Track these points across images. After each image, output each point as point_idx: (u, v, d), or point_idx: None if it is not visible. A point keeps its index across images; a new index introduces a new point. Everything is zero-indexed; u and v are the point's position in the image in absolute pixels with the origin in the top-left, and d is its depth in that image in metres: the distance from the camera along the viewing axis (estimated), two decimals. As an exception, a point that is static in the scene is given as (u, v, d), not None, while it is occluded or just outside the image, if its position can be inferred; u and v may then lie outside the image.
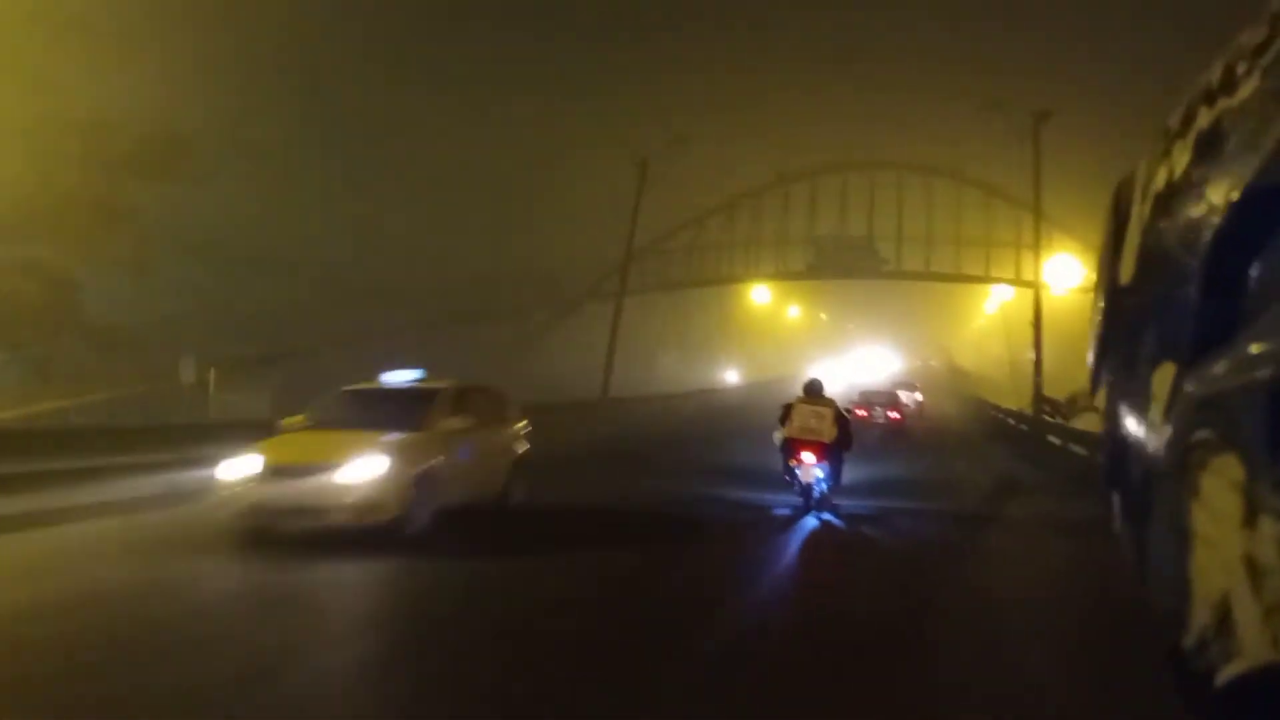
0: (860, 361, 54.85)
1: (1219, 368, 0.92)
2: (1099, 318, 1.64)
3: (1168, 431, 0.99)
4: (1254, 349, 0.85)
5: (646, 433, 25.45)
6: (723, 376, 49.88)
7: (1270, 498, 0.77)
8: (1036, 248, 30.16)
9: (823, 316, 72.44)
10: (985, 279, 47.84)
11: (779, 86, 49.26)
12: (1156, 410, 1.01)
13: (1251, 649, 0.82)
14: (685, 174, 50.08)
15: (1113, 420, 1.48)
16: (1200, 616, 0.85)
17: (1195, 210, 1.02)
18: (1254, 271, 0.89)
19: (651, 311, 55.32)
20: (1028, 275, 41.08)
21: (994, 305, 53.94)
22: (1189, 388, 0.95)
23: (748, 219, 49.51)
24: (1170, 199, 1.16)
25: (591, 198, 45.16)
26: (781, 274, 49.64)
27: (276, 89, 34.84)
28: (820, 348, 66.42)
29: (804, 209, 49.04)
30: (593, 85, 47.86)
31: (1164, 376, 1.01)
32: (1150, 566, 1.21)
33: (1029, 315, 26.90)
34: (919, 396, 33.64)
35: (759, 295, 54.91)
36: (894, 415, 26.42)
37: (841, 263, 48.25)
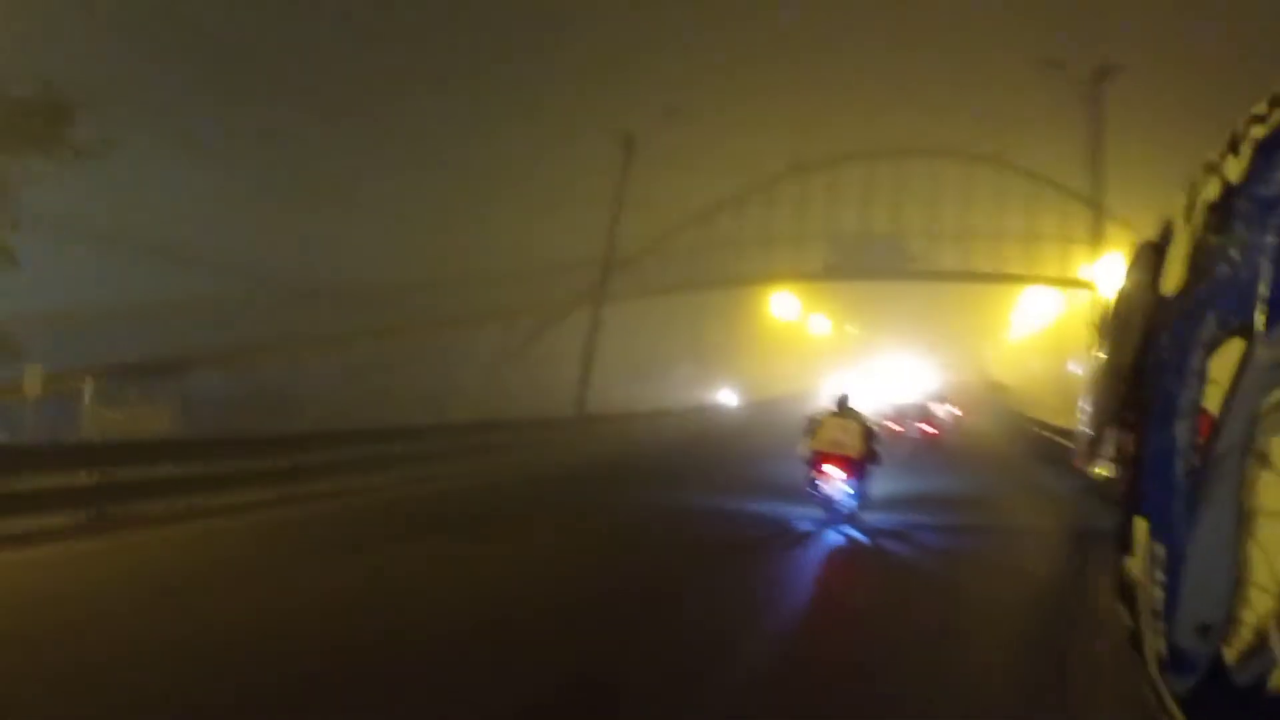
0: (891, 377, 49.96)
1: None
2: (1112, 358, 1.23)
3: (1229, 412, 0.90)
4: None
5: (611, 458, 20.38)
6: (717, 394, 43.99)
7: None
8: (1097, 231, 24.63)
9: (851, 329, 66.52)
10: (1030, 278, 42.06)
11: (793, 65, 43.88)
12: (1214, 394, 0.92)
13: None
14: (690, 165, 45.03)
15: (1145, 432, 1.10)
16: (1258, 607, 0.84)
17: (1265, 192, 0.91)
18: None
19: (666, 319, 50.57)
20: (1078, 273, 35.52)
21: (1040, 311, 48.44)
22: (1261, 351, 0.88)
23: (759, 214, 44.15)
24: (1229, 198, 1.01)
25: (588, 191, 40.03)
26: (797, 274, 44.15)
27: (201, 53, 30.18)
28: (848, 363, 61.27)
29: (822, 202, 43.61)
30: (585, 68, 42.84)
31: (1226, 357, 0.91)
32: (1183, 577, 0.98)
33: (1080, 322, 21.82)
34: (954, 410, 32.27)
35: (784, 307, 51.08)
36: (927, 429, 25.33)
37: (864, 261, 42.73)
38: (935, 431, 25.47)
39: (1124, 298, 1.15)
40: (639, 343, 48.17)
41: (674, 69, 40.26)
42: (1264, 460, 0.83)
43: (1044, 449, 22.60)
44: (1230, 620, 0.84)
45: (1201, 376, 0.91)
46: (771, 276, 44.43)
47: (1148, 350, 1.06)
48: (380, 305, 35.71)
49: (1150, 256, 1.12)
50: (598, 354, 29.65)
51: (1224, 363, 0.88)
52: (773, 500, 12.53)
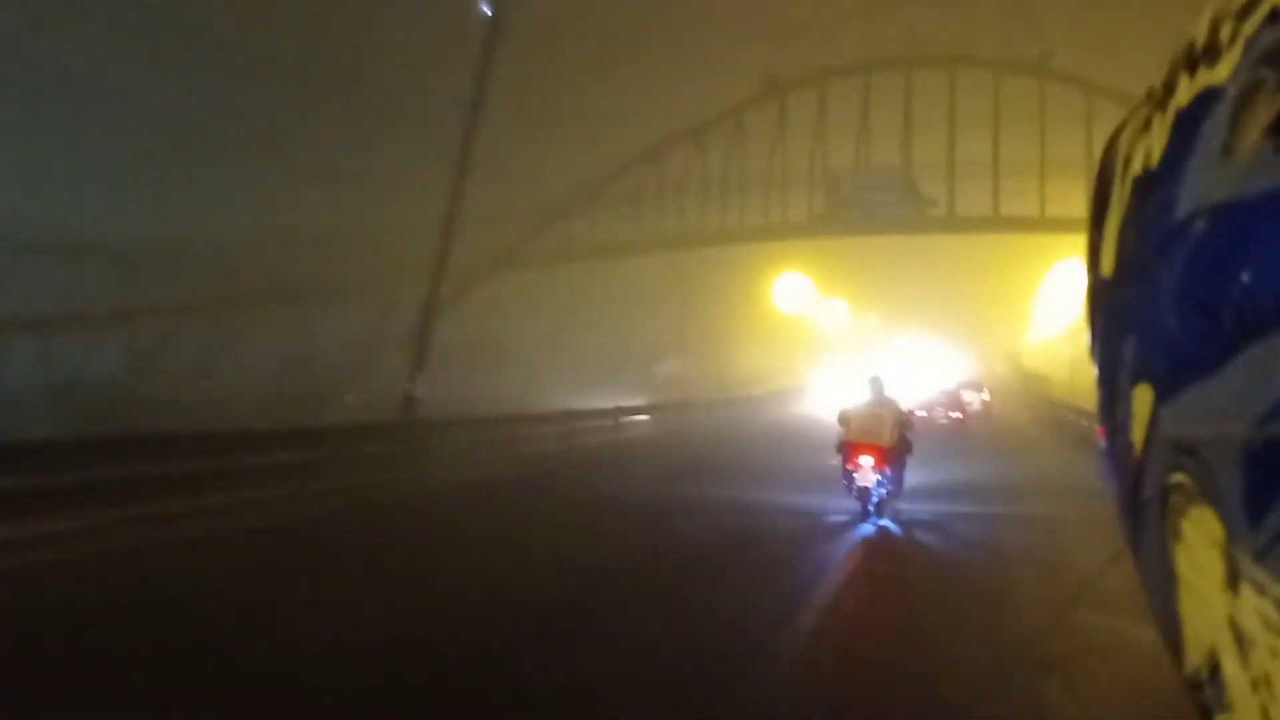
0: (914, 368, 41.87)
1: (1193, 407, 0.81)
2: (1086, 307, 1.13)
3: (1147, 461, 0.90)
4: (1229, 396, 0.74)
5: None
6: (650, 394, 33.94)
7: (1250, 568, 0.72)
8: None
9: (870, 318, 60.36)
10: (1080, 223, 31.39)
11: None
12: (1137, 430, 0.90)
13: (1243, 712, 0.77)
14: (634, 91, 34.54)
15: (1104, 429, 1.06)
16: (1193, 657, 0.85)
17: (1171, 207, 0.83)
18: (1234, 295, 0.73)
19: (656, 300, 45.26)
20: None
21: (1077, 287, 38.01)
22: (1164, 421, 0.86)
23: (725, 150, 33.64)
24: (1147, 186, 0.91)
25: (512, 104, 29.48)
26: (777, 229, 33.60)
27: None
28: (862, 353, 53.59)
29: (809, 133, 33.08)
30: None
31: (1143, 397, 0.88)
32: (1146, 589, 0.99)
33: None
34: (985, 396, 30.93)
35: (791, 293, 46.97)
36: (957, 416, 25.49)
37: (866, 209, 32.24)
38: (963, 418, 24.55)
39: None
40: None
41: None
42: (1177, 535, 0.80)
43: (1083, 437, 19.20)
44: (1178, 650, 0.84)
45: (1127, 399, 0.84)
46: (743, 234, 33.89)
47: (1093, 341, 0.98)
48: (185, 271, 25.62)
49: (1092, 221, 0.98)
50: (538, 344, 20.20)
51: (1141, 401, 0.81)
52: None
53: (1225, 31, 0.74)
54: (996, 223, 31.45)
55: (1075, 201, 30.17)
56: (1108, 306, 0.89)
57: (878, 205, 32.16)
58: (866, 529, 9.56)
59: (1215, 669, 0.77)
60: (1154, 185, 0.77)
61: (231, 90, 28.59)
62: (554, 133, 34.61)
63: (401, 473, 13.68)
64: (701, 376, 47.39)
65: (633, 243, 33.68)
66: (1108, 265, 0.89)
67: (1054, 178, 31.14)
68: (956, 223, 31.89)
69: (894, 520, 9.86)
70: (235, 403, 22.77)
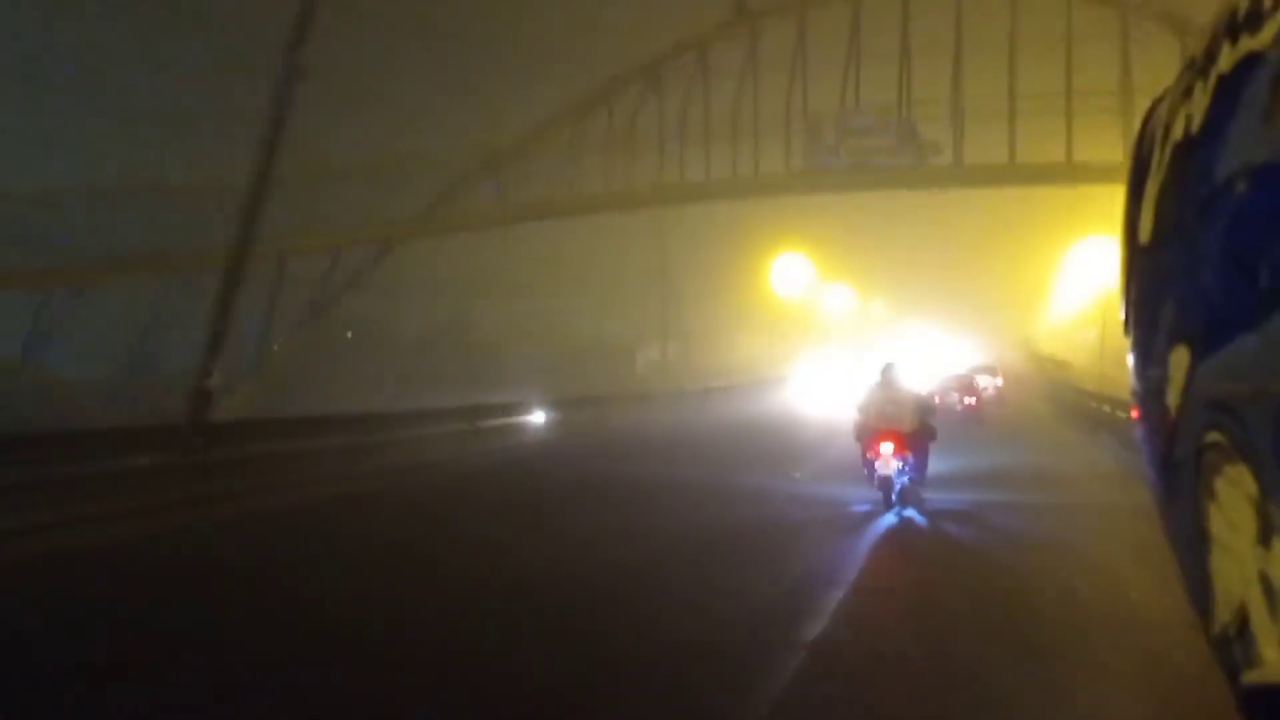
0: (923, 355, 39.02)
1: (1231, 365, 0.84)
2: (1121, 276, 1.46)
3: (1182, 422, 0.95)
4: (1269, 352, 0.78)
5: None
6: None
7: None
8: None
9: (877, 305, 59.24)
10: (1113, 171, 25.88)
11: None
12: (1173, 393, 0.94)
13: (1272, 664, 0.81)
14: (579, 22, 28.90)
15: (1137, 397, 1.36)
16: (1222, 614, 0.86)
17: (1213, 171, 0.93)
18: (1275, 254, 0.80)
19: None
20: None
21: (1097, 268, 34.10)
22: (1201, 381, 0.96)
23: (684, 91, 27.95)
24: (1188, 152, 1.06)
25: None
26: (746, 185, 27.94)
27: None
28: (866, 338, 51.34)
29: (783, 69, 27.45)
30: None
31: (1180, 359, 0.93)
32: (1176, 552, 1.16)
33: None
34: (998, 382, 29.53)
35: (791, 278, 44.57)
36: (971, 401, 23.20)
37: (855, 156, 26.66)
38: (977, 403, 23.51)
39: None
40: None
41: None
42: (1211, 494, 0.80)
43: (1108, 424, 16.51)
44: (1208, 611, 0.84)
45: (1164, 364, 0.87)
46: (706, 191, 28.26)
47: (1127, 308, 1.11)
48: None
49: (1130, 190, 1.12)
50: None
51: (1178, 364, 0.83)
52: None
53: (1269, 0, 0.66)
54: (1014, 172, 25.89)
55: (1107, 145, 24.67)
56: (1145, 272, 0.89)
57: (868, 153, 26.60)
58: (889, 519, 8.92)
59: (1244, 625, 0.70)
60: (1195, 150, 0.75)
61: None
62: (484, 69, 28.91)
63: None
64: (688, 364, 43.87)
65: (572, 203, 27.98)
66: (1145, 231, 0.90)
67: (1084, 116, 25.63)
68: (965, 173, 26.31)
69: (919, 510, 9.38)
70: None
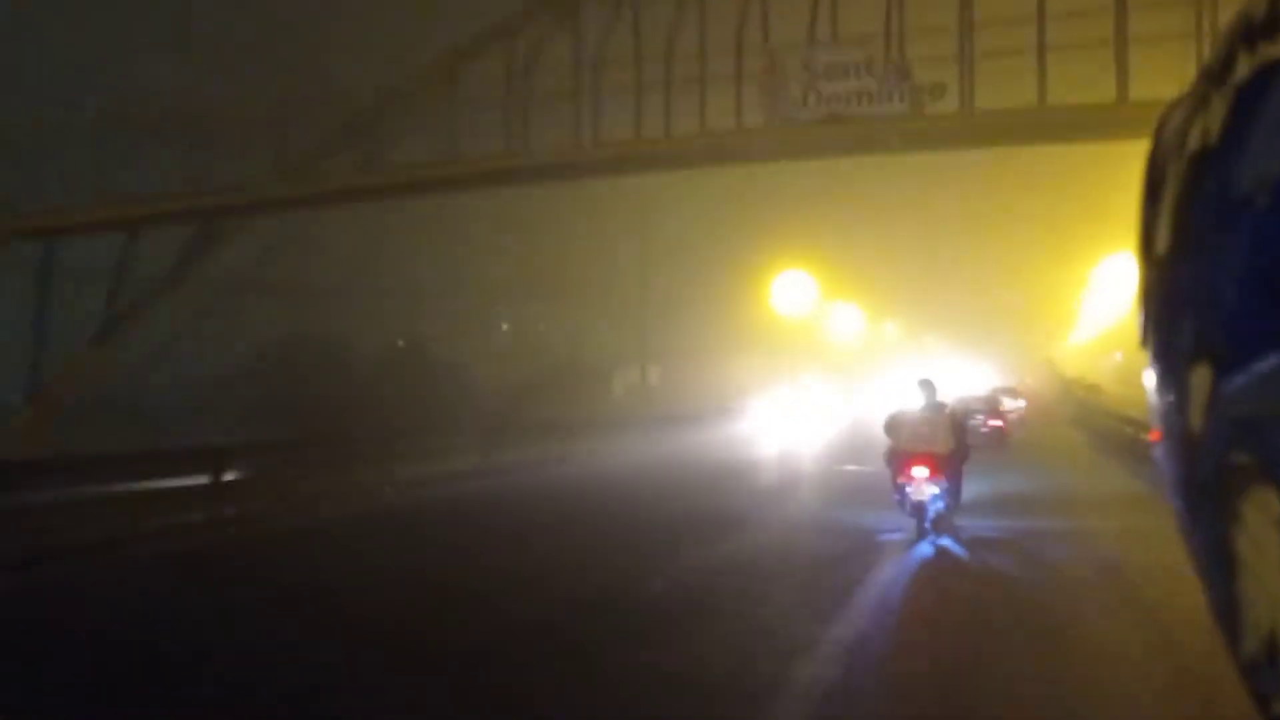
0: (941, 378, 34.97)
1: (1256, 383, 0.75)
2: (1138, 291, 1.05)
3: (1205, 442, 0.84)
4: None
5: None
6: None
7: None
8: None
9: (890, 327, 58.38)
10: (1144, 111, 18.45)
11: None
12: (1195, 412, 0.85)
13: None
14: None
15: (1156, 416, 1.01)
16: (1250, 641, 0.79)
17: (1232, 184, 0.78)
18: None
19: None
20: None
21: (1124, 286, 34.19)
22: (1224, 400, 0.80)
23: (603, 24, 21.26)
24: (1206, 164, 0.84)
25: None
26: (685, 150, 21.09)
27: None
28: (877, 362, 51.28)
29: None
30: None
31: (1201, 377, 0.83)
32: (1201, 576, 0.89)
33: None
34: (1021, 404, 30.37)
35: (792, 297, 43.13)
36: (996, 423, 23.32)
37: (830, 105, 19.77)
38: (1003, 425, 23.37)
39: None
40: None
41: None
42: (1236, 516, 0.76)
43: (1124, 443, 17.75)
44: (1236, 636, 0.80)
45: (1184, 382, 0.82)
46: (629, 161, 21.49)
47: (1145, 325, 0.93)
48: None
49: (1147, 195, 0.92)
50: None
51: (1199, 382, 0.79)
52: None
53: None
54: (1043, 120, 18.80)
55: (1166, 81, 17.56)
56: (1163, 287, 0.85)
57: (845, 100, 19.67)
58: (925, 549, 8.87)
59: (1274, 652, 0.72)
60: (1213, 162, 0.75)
61: None
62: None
63: None
64: (673, 387, 40.49)
65: (464, 171, 21.29)
66: (1163, 245, 0.84)
67: (1140, 46, 18.56)
68: (976, 124, 19.25)
69: (955, 539, 9.20)
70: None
